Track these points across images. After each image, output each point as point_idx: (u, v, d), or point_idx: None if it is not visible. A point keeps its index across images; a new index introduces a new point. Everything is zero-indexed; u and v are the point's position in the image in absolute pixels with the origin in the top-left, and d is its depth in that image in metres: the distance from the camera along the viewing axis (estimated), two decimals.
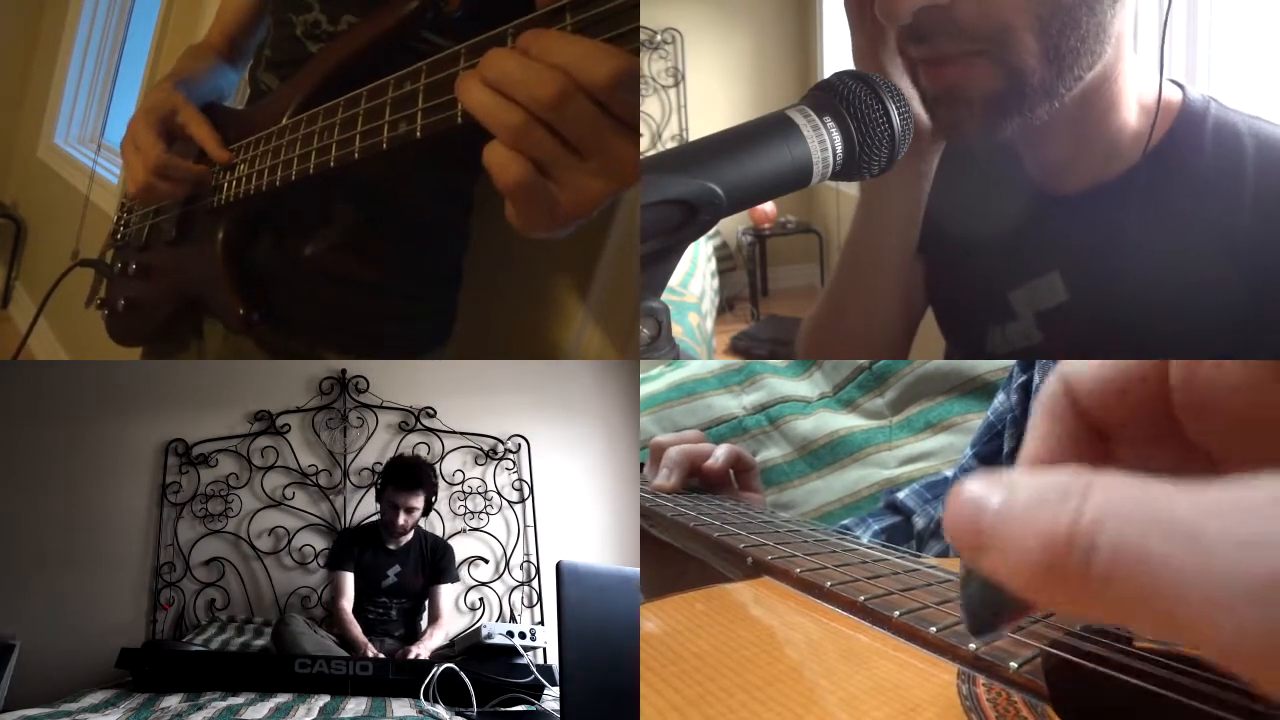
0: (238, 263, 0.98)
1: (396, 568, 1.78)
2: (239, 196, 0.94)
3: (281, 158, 0.86)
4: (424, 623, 1.80)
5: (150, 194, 1.01)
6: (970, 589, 0.23)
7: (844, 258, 0.88)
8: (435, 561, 1.82)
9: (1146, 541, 0.16)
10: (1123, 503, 0.17)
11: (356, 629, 1.68)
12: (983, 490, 0.20)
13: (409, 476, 1.79)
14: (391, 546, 1.80)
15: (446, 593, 1.82)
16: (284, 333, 0.99)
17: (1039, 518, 0.18)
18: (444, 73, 0.65)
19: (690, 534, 0.61)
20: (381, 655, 1.63)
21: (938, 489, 0.96)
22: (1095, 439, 0.26)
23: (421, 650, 1.66)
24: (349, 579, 1.76)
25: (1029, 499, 0.19)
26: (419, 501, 1.77)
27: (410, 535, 1.81)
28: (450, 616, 1.83)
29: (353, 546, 1.80)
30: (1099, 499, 0.17)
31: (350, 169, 0.77)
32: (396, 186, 0.99)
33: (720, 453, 0.79)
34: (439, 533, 2.05)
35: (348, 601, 1.73)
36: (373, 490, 1.96)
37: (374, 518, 1.90)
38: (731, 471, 0.81)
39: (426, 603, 1.81)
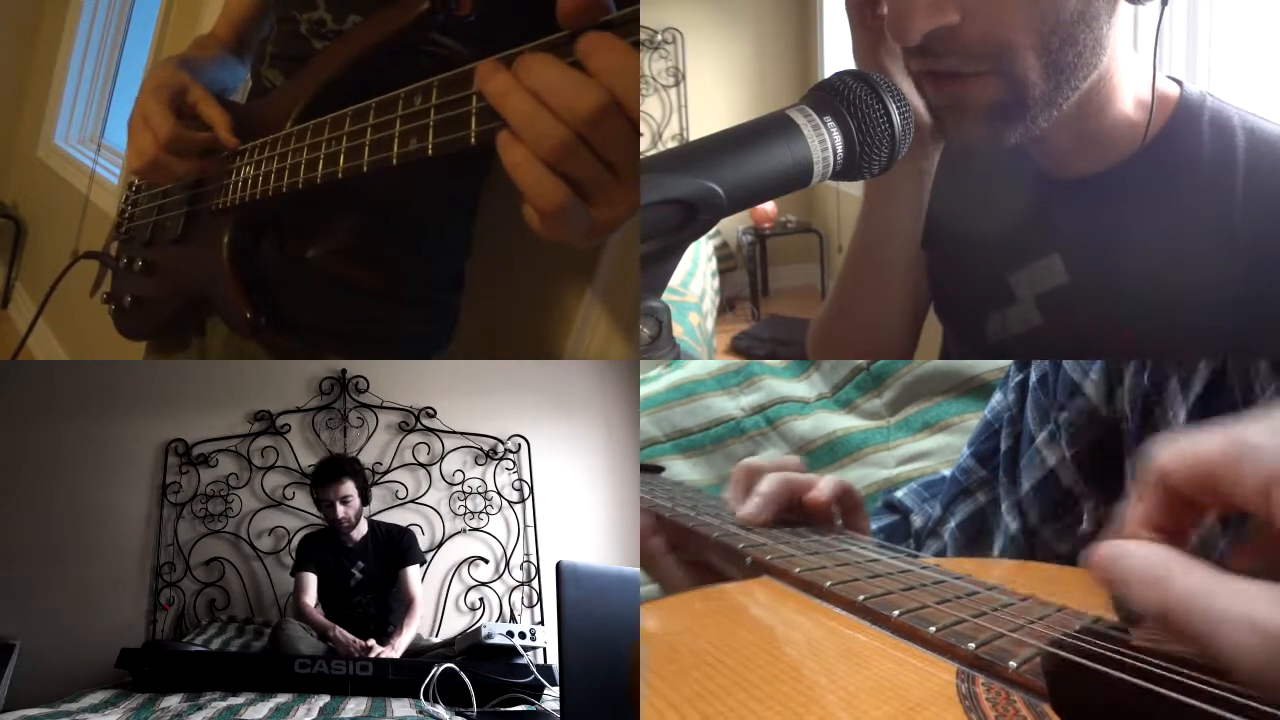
0: (243, 265, 0.97)
1: (360, 564, 1.79)
2: (244, 200, 0.93)
3: (288, 163, 0.86)
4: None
5: (159, 171, 0.98)
6: (1117, 600, 0.37)
7: (850, 258, 0.89)
8: (394, 546, 1.82)
9: (1197, 621, 0.31)
10: (1185, 593, 0.31)
11: (320, 616, 1.69)
12: (1113, 555, 0.35)
13: (328, 470, 1.80)
14: (349, 544, 1.79)
15: (413, 574, 1.81)
16: (289, 336, 0.98)
17: (1147, 591, 0.33)
18: (456, 94, 0.64)
19: (707, 542, 0.61)
20: (357, 641, 1.62)
21: (935, 488, 0.96)
22: (1184, 505, 0.37)
23: (397, 645, 1.65)
24: (310, 578, 1.76)
25: (1139, 574, 0.33)
26: (348, 489, 1.76)
27: (364, 529, 1.81)
28: (421, 597, 1.81)
29: (314, 549, 1.80)
30: (1175, 589, 0.32)
31: (359, 173, 0.77)
32: (402, 193, 0.98)
33: (826, 485, 0.67)
34: (439, 532, 2.05)
35: (309, 598, 1.74)
36: (370, 491, 1.95)
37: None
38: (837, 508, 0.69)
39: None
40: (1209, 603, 0.30)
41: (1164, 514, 0.38)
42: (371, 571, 1.79)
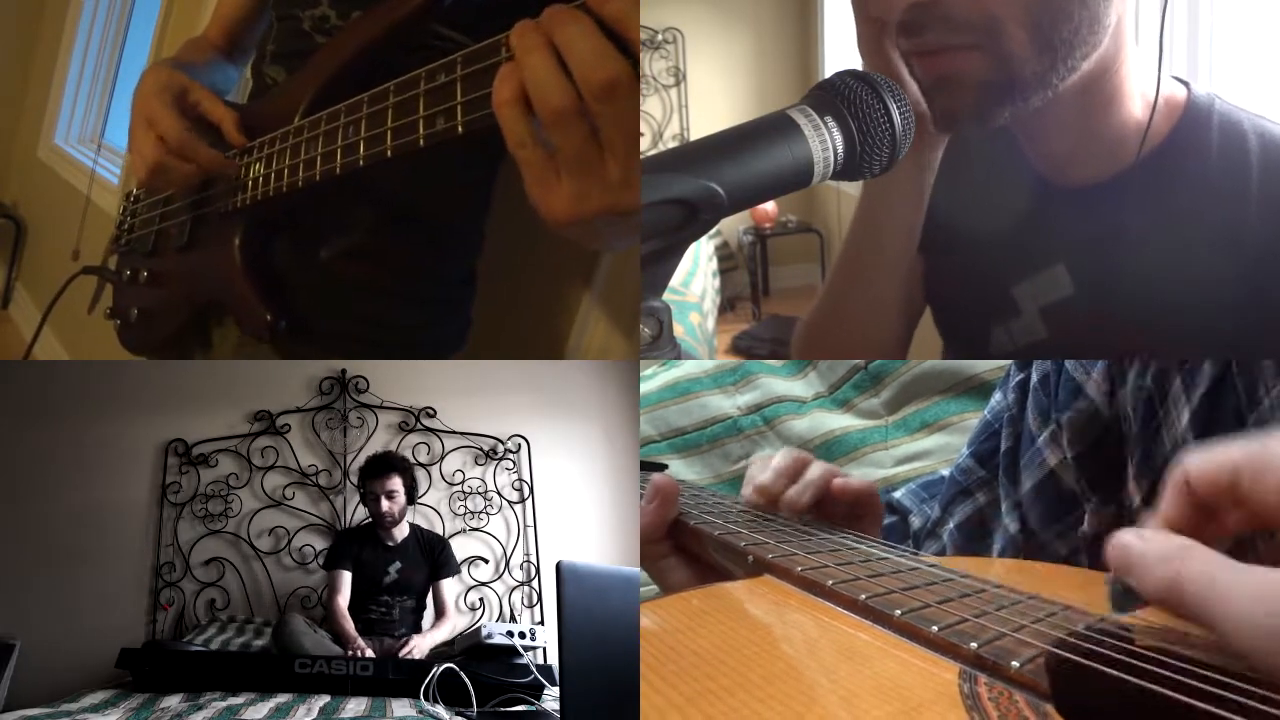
0: (257, 268, 0.95)
1: (397, 564, 1.79)
2: (256, 199, 0.91)
3: (303, 157, 0.83)
4: (429, 620, 1.80)
5: (166, 175, 0.94)
6: (1116, 586, 0.39)
7: (843, 256, 0.88)
8: (434, 555, 1.84)
9: (1207, 594, 0.32)
10: (1199, 570, 0.33)
11: (349, 624, 1.68)
12: (1129, 540, 0.37)
13: (379, 464, 1.81)
14: (389, 543, 1.80)
15: (449, 587, 1.83)
16: (305, 337, 0.96)
17: (1159, 569, 0.35)
18: (483, 63, 0.62)
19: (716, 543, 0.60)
20: (372, 654, 1.61)
21: (934, 488, 0.95)
22: (1206, 513, 0.39)
23: (422, 643, 1.66)
24: (346, 577, 1.76)
25: (1155, 554, 0.35)
26: (396, 484, 1.79)
27: (405, 529, 1.82)
28: (454, 611, 1.84)
29: (351, 545, 1.81)
30: (1191, 566, 0.33)
31: (373, 171, 0.74)
32: (416, 189, 0.96)
33: (858, 480, 0.70)
34: (439, 533, 2.05)
35: (343, 599, 1.73)
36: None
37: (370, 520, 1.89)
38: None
39: (430, 599, 1.82)
40: (1224, 578, 0.32)
41: (1185, 520, 0.39)
42: (407, 574, 1.80)
